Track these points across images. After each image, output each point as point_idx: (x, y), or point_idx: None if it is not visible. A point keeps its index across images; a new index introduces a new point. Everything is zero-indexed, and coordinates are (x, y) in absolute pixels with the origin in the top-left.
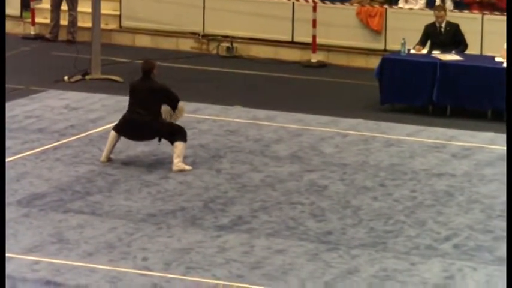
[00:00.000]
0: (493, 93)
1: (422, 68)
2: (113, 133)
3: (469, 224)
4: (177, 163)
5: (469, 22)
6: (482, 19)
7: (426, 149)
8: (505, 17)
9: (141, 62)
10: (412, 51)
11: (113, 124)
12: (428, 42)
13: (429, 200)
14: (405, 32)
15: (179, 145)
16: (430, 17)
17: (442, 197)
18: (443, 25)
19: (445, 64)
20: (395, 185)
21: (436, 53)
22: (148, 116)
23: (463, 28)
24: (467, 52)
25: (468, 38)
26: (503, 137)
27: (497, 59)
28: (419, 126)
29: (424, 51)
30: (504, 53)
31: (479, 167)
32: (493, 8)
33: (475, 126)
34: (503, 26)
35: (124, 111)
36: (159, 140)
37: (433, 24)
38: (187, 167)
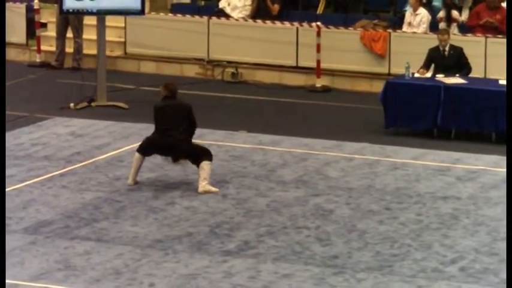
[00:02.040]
0: (497, 116)
1: (427, 91)
2: (137, 155)
3: (475, 246)
4: (204, 185)
5: (472, 45)
6: (486, 42)
7: (431, 172)
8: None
9: (147, 88)
10: (416, 75)
11: (137, 146)
12: (432, 66)
13: (435, 223)
14: (409, 55)
15: (206, 166)
16: (433, 40)
17: (447, 220)
18: (446, 48)
19: (449, 87)
20: (401, 209)
21: (440, 77)
22: (180, 134)
23: (467, 51)
24: (471, 75)
25: (472, 61)
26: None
27: (501, 82)
28: (424, 150)
29: (428, 74)
30: None
31: (484, 190)
32: (496, 31)
33: (480, 149)
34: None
35: (131, 138)
36: (177, 159)
37: (436, 48)
38: (214, 189)
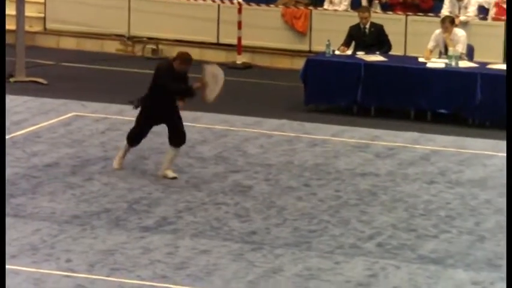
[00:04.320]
0: (416, 93)
1: (347, 68)
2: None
3: (393, 222)
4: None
5: (393, 23)
6: (406, 20)
7: (350, 149)
8: (428, 18)
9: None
10: (337, 52)
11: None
12: (353, 43)
13: (353, 199)
14: (330, 33)
15: (172, 152)
16: (354, 18)
17: (365, 196)
18: (367, 26)
19: (369, 65)
20: (320, 185)
21: (360, 54)
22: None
23: (387, 29)
24: (391, 53)
25: (392, 39)
26: (425, 136)
27: (420, 60)
28: (344, 127)
29: (349, 52)
30: (427, 54)
31: (402, 167)
32: (416, 9)
33: (399, 126)
34: (427, 27)
35: (49, 114)
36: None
37: (357, 26)
38: (171, 175)
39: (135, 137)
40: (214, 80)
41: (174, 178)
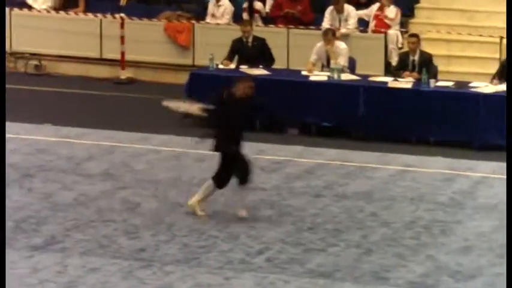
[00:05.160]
0: (300, 107)
1: (230, 82)
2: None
3: (281, 237)
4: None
5: (275, 36)
6: (288, 33)
7: None
8: (309, 31)
9: None
10: (220, 66)
11: None
12: (236, 57)
13: None
14: (213, 47)
15: (207, 185)
16: (237, 31)
17: (253, 211)
18: (250, 40)
19: (253, 78)
20: (209, 200)
21: (243, 68)
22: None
23: (270, 42)
24: (274, 66)
25: (275, 52)
26: (310, 150)
27: (303, 73)
28: None
29: (232, 66)
30: (310, 67)
31: (288, 181)
32: (298, 22)
33: (284, 140)
34: (308, 40)
35: None
36: None
37: (240, 39)
38: (200, 213)
39: (224, 182)
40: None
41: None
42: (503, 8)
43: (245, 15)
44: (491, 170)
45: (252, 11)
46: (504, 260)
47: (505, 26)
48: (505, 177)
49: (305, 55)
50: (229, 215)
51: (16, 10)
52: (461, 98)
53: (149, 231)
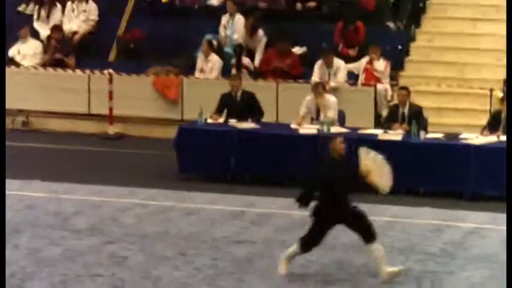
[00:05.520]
0: (289, 160)
1: (220, 136)
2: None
3: None
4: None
5: (264, 90)
6: (277, 87)
7: (226, 216)
8: (298, 85)
9: None
10: (209, 120)
11: None
12: (225, 111)
13: (230, 267)
14: (202, 101)
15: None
16: (226, 86)
17: (242, 264)
18: (238, 94)
19: (242, 132)
20: (196, 254)
21: (232, 122)
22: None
23: (259, 96)
24: (263, 120)
25: (264, 106)
26: None
27: (292, 126)
28: (219, 194)
29: (221, 120)
30: (300, 120)
31: (278, 233)
32: (286, 76)
33: (274, 193)
34: (297, 94)
35: None
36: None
37: (228, 94)
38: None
39: (312, 245)
40: (376, 164)
41: (399, 272)
42: (494, 61)
43: (234, 70)
44: (482, 220)
45: (240, 65)
46: None
47: (494, 78)
48: (497, 227)
49: (294, 108)
50: (217, 268)
51: None
52: (451, 149)
53: (136, 286)
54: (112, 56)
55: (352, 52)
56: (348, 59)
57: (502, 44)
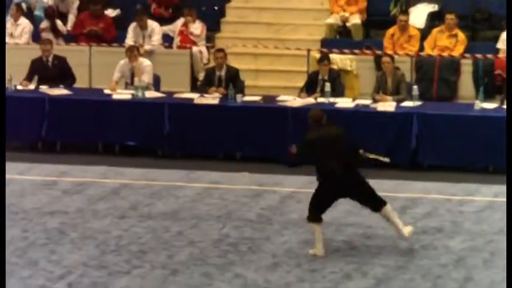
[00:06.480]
0: (104, 126)
1: (31, 104)
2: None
3: (83, 260)
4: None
5: (77, 55)
6: (90, 51)
7: (37, 186)
8: (112, 48)
9: None
10: (19, 87)
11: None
12: (36, 77)
13: (41, 239)
14: (12, 67)
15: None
16: (37, 51)
17: (54, 235)
18: (50, 59)
19: (54, 99)
20: (7, 226)
21: (44, 88)
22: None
23: (72, 61)
24: (76, 85)
25: (76, 71)
26: (114, 170)
27: (106, 92)
28: (29, 164)
29: (32, 86)
30: (113, 85)
31: (92, 202)
32: (100, 40)
33: (87, 161)
34: (111, 58)
35: None
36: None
37: (40, 59)
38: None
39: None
40: None
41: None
42: (310, 21)
43: (44, 34)
44: (298, 184)
45: (55, 30)
46: (314, 274)
47: (311, 38)
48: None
49: (108, 73)
50: (27, 241)
51: None
52: (268, 112)
53: None
54: None
55: (165, 12)
56: (161, 20)
57: (319, 4)
